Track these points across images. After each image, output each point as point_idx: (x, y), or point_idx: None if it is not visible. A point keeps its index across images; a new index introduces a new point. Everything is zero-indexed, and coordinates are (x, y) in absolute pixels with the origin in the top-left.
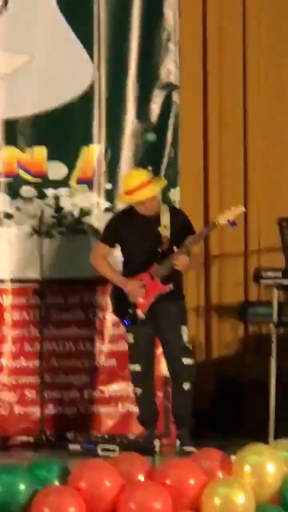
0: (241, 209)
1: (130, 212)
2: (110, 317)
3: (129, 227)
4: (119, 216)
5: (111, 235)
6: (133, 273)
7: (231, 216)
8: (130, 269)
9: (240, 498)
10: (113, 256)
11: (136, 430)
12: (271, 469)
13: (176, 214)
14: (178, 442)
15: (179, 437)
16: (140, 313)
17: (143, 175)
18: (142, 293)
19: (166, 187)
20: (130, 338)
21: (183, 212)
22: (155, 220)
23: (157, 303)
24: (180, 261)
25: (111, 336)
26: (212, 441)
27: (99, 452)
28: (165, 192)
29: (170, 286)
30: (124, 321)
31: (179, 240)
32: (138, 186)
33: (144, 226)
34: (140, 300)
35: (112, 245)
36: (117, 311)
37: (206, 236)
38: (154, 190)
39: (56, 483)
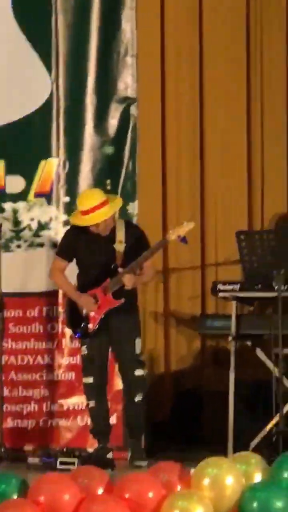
0: (191, 225)
1: (85, 226)
2: (68, 330)
3: (84, 242)
4: (74, 230)
5: (66, 249)
6: (87, 287)
7: (182, 232)
8: (84, 283)
9: (198, 511)
10: (69, 269)
11: (95, 443)
12: (230, 482)
13: (132, 230)
14: (130, 453)
15: (131, 448)
16: (91, 327)
17: (97, 196)
18: (94, 307)
19: (124, 201)
20: (84, 350)
21: (138, 227)
22: (110, 235)
23: (111, 316)
24: (127, 280)
25: (70, 349)
26: (171, 454)
27: (58, 465)
28: (123, 205)
29: (122, 301)
30: (76, 334)
31: (134, 255)
32: (92, 208)
33: (98, 241)
34: (92, 314)
35: (68, 259)
36: (70, 323)
37: (158, 251)
38: (106, 213)
39: (15, 496)
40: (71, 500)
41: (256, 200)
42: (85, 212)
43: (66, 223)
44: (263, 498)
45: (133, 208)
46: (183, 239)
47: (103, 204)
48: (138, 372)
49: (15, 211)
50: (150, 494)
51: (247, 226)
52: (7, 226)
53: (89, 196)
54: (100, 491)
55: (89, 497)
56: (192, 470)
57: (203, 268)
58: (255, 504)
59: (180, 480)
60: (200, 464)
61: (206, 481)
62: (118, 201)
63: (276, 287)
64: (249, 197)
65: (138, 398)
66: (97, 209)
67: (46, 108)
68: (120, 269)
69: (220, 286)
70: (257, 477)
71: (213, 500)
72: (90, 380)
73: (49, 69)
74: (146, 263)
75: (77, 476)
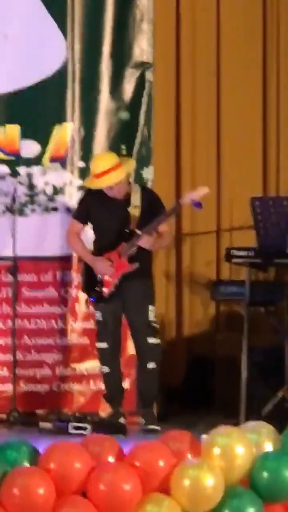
0: (206, 190)
1: (101, 190)
2: (82, 295)
3: (99, 206)
4: (90, 194)
5: (82, 212)
6: (102, 252)
7: (196, 197)
8: (100, 247)
9: (209, 480)
10: (85, 233)
11: (107, 408)
12: (241, 451)
13: (147, 194)
14: (142, 421)
15: (143, 416)
16: (106, 291)
17: (109, 159)
18: (109, 271)
19: (138, 166)
20: (98, 315)
21: (154, 192)
22: (125, 200)
23: (125, 281)
24: (144, 241)
25: (83, 314)
26: (183, 419)
27: (70, 430)
28: (138, 170)
29: (137, 265)
30: (90, 298)
31: (149, 220)
32: (104, 171)
33: (114, 206)
34: (107, 278)
35: (84, 222)
36: (85, 287)
37: (173, 216)
38: (119, 176)
39: (26, 464)
40: (82, 468)
41: (271, 165)
42: (98, 175)
43: (80, 188)
44: (273, 468)
45: (148, 173)
46: (197, 204)
47: (116, 167)
48: (151, 340)
49: (29, 176)
50: (161, 463)
51: (262, 191)
52: (22, 190)
53: (102, 159)
54: (111, 459)
55: (100, 466)
56: (203, 437)
57: (218, 234)
58: (265, 474)
59: (190, 449)
60: (211, 433)
61: (216, 451)
62: (130, 164)
63: None
64: (264, 162)
65: (151, 365)
66: (110, 172)
67: (61, 73)
68: (137, 230)
69: (234, 252)
70: (268, 447)
71: (224, 469)
72: (103, 345)
73: (64, 34)
74: (164, 227)
75: (88, 444)
